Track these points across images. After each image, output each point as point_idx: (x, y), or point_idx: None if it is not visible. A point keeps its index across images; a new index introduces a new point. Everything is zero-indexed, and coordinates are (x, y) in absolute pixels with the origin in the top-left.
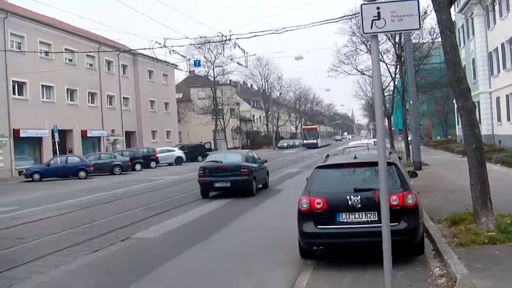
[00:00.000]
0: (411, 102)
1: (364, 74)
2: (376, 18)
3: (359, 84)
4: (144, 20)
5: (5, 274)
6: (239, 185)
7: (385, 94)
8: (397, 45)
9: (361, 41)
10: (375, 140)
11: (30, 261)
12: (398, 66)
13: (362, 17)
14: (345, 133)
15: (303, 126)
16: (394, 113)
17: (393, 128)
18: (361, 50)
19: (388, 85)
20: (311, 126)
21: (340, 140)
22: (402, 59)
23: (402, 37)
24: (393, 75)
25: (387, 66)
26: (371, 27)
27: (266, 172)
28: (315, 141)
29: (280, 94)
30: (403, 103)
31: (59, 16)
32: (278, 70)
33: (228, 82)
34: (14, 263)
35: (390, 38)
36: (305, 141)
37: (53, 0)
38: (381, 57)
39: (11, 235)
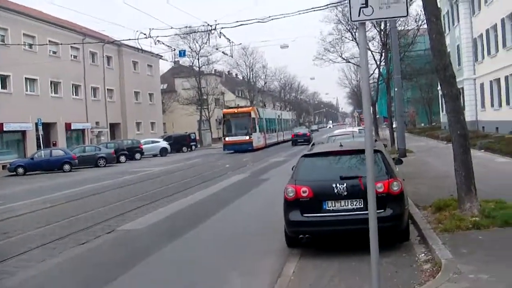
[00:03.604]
0: (395, 89)
1: (349, 62)
2: (364, 5)
3: (344, 72)
4: (128, 11)
5: None
6: (307, 140)
7: (370, 82)
8: (382, 33)
9: (347, 29)
10: (360, 128)
11: (16, 255)
12: (383, 54)
13: (349, 5)
14: (330, 121)
15: (223, 111)
16: (378, 100)
17: (377, 116)
18: (346, 38)
19: (373, 72)
20: (238, 110)
21: (317, 130)
22: (388, 46)
23: (388, 25)
24: (378, 63)
25: (372, 54)
26: (359, 15)
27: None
28: (246, 137)
29: (265, 83)
30: (388, 90)
31: (42, 7)
32: (263, 59)
33: (213, 72)
34: (1, 258)
35: (376, 25)
36: (227, 139)
37: None
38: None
39: None
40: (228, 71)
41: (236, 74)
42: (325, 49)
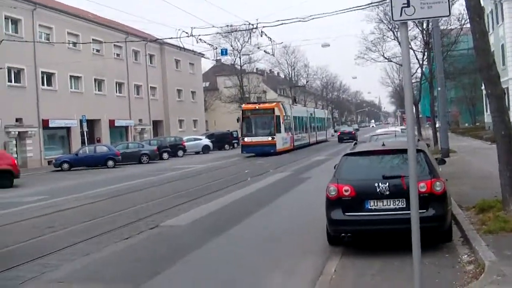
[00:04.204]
0: (438, 88)
1: (391, 61)
2: (406, 5)
3: (386, 71)
4: (170, 9)
5: (37, 262)
6: (352, 138)
7: (413, 81)
8: (424, 32)
9: (388, 28)
10: (403, 127)
11: (61, 249)
12: (425, 53)
13: (391, 4)
14: (372, 121)
15: (243, 106)
16: (421, 100)
17: (420, 115)
18: (388, 37)
19: (416, 71)
20: (260, 106)
21: (358, 129)
22: (430, 46)
23: (430, 24)
24: (420, 62)
25: (414, 53)
26: (401, 15)
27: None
28: (268, 138)
29: (307, 82)
30: (430, 90)
31: (85, 6)
32: (305, 58)
33: (254, 71)
34: (46, 251)
35: (418, 24)
36: (246, 139)
37: None
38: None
39: (42, 224)
40: (270, 70)
41: (278, 73)
42: (366, 48)
